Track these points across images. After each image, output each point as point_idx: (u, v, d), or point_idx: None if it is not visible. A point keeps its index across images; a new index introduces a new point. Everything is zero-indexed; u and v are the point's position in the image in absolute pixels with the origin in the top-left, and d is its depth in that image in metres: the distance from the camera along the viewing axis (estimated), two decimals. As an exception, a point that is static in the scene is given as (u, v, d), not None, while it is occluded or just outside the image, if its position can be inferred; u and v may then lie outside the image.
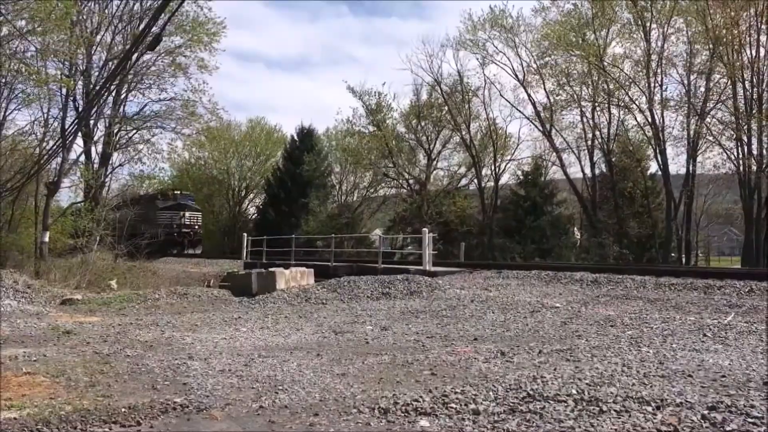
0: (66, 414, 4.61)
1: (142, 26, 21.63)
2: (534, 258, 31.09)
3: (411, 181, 39.69)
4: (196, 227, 39.09)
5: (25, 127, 23.16)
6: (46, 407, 4.80)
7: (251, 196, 55.89)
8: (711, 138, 31.02)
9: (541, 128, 36.70)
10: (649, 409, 4.34)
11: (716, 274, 12.78)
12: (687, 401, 4.45)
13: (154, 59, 25.47)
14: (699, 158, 32.08)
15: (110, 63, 24.12)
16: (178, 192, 41.07)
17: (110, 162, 28.32)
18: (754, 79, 28.54)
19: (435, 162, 40.30)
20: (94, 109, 23.60)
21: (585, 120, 35.26)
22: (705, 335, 7.43)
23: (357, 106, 41.34)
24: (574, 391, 4.80)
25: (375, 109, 40.00)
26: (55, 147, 20.72)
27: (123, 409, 4.71)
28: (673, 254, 32.15)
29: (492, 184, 38.27)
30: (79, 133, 24.64)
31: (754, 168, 28.92)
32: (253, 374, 5.99)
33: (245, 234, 25.20)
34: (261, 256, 23.49)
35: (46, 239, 22.13)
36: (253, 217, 52.46)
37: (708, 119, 30.66)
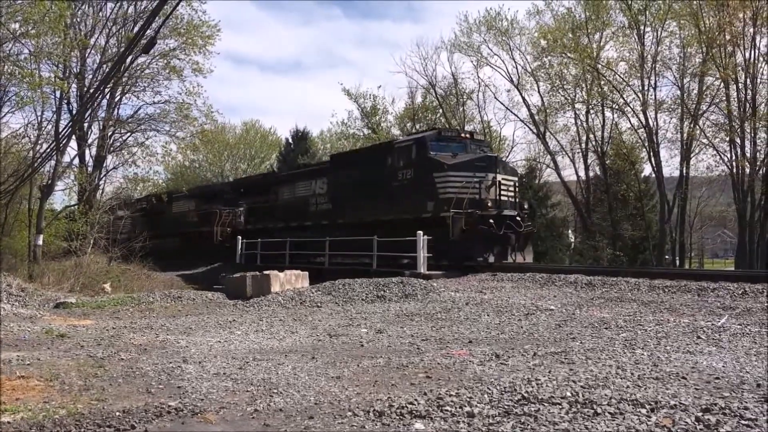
0: (60, 418, 4.60)
1: (136, 29, 21.62)
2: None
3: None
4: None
5: (18, 129, 23.11)
6: (40, 411, 4.78)
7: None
8: (704, 140, 31.19)
9: (535, 131, 36.88)
10: (644, 411, 4.35)
11: (710, 277, 12.78)
12: (681, 403, 4.46)
13: (148, 62, 25.31)
14: (693, 160, 32.27)
15: (104, 66, 24.02)
16: None
17: (104, 165, 28.14)
18: (748, 81, 28.69)
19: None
20: (88, 112, 23.56)
21: (579, 123, 35.45)
22: (699, 337, 7.45)
23: (352, 108, 41.52)
24: (568, 394, 4.81)
25: (370, 112, 40.09)
26: (48, 150, 20.62)
27: (117, 413, 4.70)
28: (667, 256, 32.28)
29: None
30: (73, 136, 24.55)
31: (748, 170, 29.07)
32: (248, 377, 5.99)
33: (239, 236, 25.17)
34: (255, 258, 23.50)
35: (40, 242, 22.05)
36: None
37: (701, 121, 30.83)
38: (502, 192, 17.35)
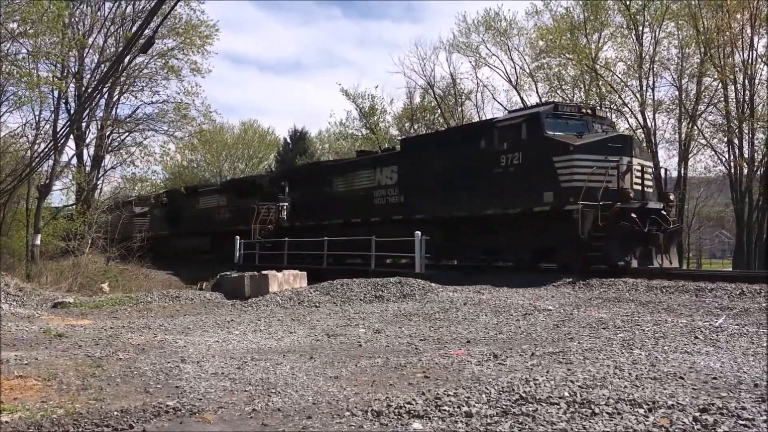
0: (58, 417, 4.59)
1: (134, 29, 21.62)
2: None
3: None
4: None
5: (16, 129, 23.08)
6: (38, 411, 4.77)
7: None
8: (702, 141, 31.24)
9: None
10: (641, 411, 4.35)
11: (708, 277, 12.79)
12: (679, 403, 4.47)
13: (146, 62, 25.36)
14: (690, 161, 32.33)
15: (103, 65, 24.04)
16: None
17: (102, 165, 28.17)
18: (746, 82, 28.73)
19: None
20: (86, 112, 23.56)
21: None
22: (696, 337, 7.46)
23: (350, 108, 41.59)
24: (566, 394, 4.81)
25: (368, 112, 40.12)
26: (46, 149, 20.64)
27: (115, 413, 4.70)
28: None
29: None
30: (71, 136, 24.55)
31: (746, 170, 29.11)
32: (246, 377, 5.98)
33: (237, 236, 25.14)
34: (253, 258, 23.47)
35: (38, 242, 22.04)
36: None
37: (700, 122, 30.87)
38: (645, 180, 14.79)
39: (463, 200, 16.66)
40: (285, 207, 25.83)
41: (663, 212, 14.80)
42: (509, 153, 15.74)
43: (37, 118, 22.55)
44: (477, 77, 38.67)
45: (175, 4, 14.79)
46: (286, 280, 15.21)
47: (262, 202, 26.51)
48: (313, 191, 24.00)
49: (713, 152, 31.24)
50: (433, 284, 13.83)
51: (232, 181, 34.78)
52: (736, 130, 28.80)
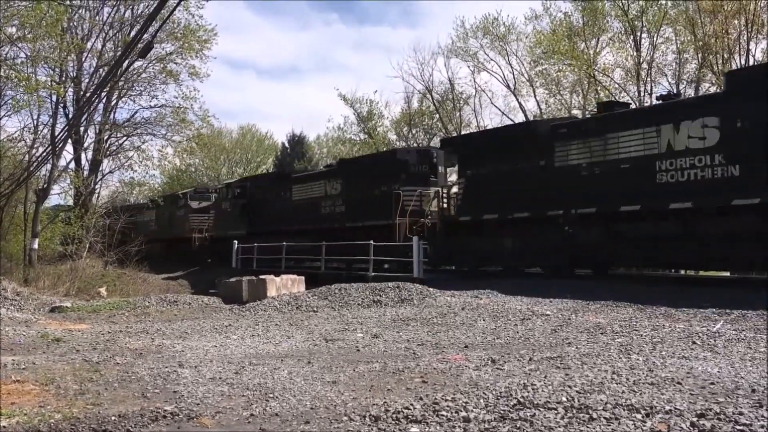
0: (56, 422, 4.59)
1: (133, 33, 21.65)
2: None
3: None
4: None
5: (14, 133, 23.12)
6: (36, 415, 4.77)
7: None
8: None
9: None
10: (639, 416, 4.36)
11: (705, 282, 12.79)
12: (676, 408, 4.47)
13: (145, 66, 25.39)
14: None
15: (101, 70, 24.07)
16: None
17: (100, 169, 28.21)
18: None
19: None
20: (85, 116, 23.57)
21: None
22: (694, 343, 7.47)
23: (348, 113, 41.66)
24: (564, 399, 4.82)
25: (366, 117, 40.16)
26: (44, 154, 20.66)
27: (113, 417, 4.70)
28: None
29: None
30: (69, 140, 24.57)
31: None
32: (244, 382, 5.98)
33: (235, 241, 25.08)
34: (251, 263, 23.37)
35: (36, 246, 22.03)
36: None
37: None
38: None
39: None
40: (456, 193, 18.49)
41: None
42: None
43: (35, 122, 22.64)
44: (475, 82, 38.61)
45: (175, 8, 14.83)
46: (284, 285, 15.21)
47: (407, 186, 19.16)
48: (512, 166, 15.98)
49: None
50: (431, 289, 13.83)
51: (345, 162, 25.09)
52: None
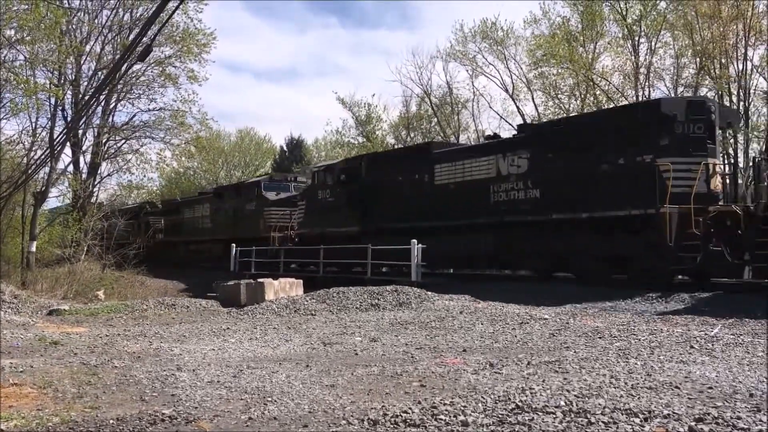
0: (53, 426, 4.58)
1: (132, 36, 21.67)
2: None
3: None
4: None
5: (13, 136, 23.16)
6: (33, 419, 4.76)
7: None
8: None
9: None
10: (637, 420, 4.36)
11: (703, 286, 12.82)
12: (674, 413, 4.48)
13: (143, 69, 25.41)
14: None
15: (100, 73, 24.10)
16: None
17: (99, 172, 28.20)
18: (741, 93, 28.86)
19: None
20: (83, 119, 23.56)
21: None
22: (692, 347, 7.48)
23: (347, 117, 41.65)
24: (562, 403, 4.82)
25: (365, 120, 40.21)
26: (43, 156, 20.66)
27: (111, 421, 4.69)
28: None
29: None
30: (68, 143, 24.57)
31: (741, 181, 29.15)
32: (242, 385, 5.98)
33: (233, 244, 25.06)
34: (249, 266, 23.37)
35: (33, 249, 22.00)
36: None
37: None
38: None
39: None
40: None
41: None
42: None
43: (33, 125, 22.66)
44: (473, 86, 38.65)
45: (174, 11, 14.83)
46: (282, 288, 15.19)
47: (679, 157, 13.29)
48: None
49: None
50: (429, 292, 13.82)
51: (549, 124, 20.67)
52: (731, 141, 28.89)
